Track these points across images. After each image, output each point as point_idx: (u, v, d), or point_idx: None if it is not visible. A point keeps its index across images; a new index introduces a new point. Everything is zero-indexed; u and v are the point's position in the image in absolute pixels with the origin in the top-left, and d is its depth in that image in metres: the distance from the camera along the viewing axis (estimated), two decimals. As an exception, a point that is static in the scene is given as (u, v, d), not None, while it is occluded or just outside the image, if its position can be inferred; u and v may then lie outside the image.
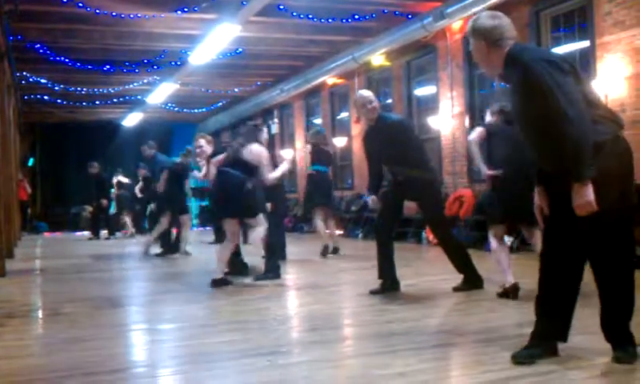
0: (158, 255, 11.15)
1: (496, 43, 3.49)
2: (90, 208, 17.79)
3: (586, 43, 9.13)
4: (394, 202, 6.33)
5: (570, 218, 3.41)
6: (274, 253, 7.89)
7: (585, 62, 8.93)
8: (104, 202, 17.18)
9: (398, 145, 6.17)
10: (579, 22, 9.39)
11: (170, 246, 11.37)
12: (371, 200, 6.48)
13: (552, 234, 3.58)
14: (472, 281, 6.21)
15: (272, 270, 7.64)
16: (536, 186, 3.67)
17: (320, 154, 10.47)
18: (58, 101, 19.21)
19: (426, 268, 8.70)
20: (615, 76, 8.48)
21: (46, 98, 18.78)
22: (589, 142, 3.22)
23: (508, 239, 9.77)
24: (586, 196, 3.23)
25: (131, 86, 17.35)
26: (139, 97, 19.01)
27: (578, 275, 3.57)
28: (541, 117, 3.33)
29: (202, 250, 12.00)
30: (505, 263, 5.66)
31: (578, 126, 3.21)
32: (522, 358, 3.52)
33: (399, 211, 6.48)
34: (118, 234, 18.13)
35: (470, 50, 3.66)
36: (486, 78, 11.15)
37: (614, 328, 3.49)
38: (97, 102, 19.77)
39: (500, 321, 4.71)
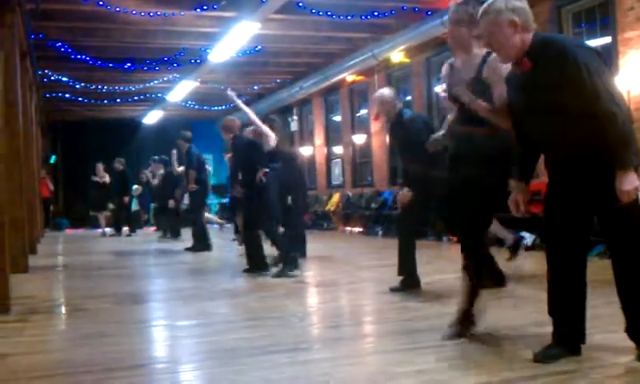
0: (188, 249, 11.25)
1: (526, 24, 3.43)
2: (111, 205, 17.94)
3: (607, 39, 9.03)
4: (416, 198, 6.29)
5: (586, 211, 3.42)
6: (287, 246, 7.87)
7: (607, 58, 8.82)
8: (125, 198, 17.32)
9: (411, 142, 6.16)
10: (601, 17, 9.29)
11: (203, 242, 11.39)
12: (401, 195, 6.42)
13: (558, 229, 3.53)
14: (493, 278, 6.17)
15: (289, 263, 7.63)
16: (516, 181, 3.68)
17: None
18: (79, 99, 19.37)
19: (447, 265, 8.65)
20: (638, 72, 8.38)
21: (67, 95, 18.93)
22: (632, 128, 3.24)
23: (530, 236, 9.73)
24: (634, 181, 3.21)
25: (151, 83, 17.46)
26: (159, 94, 19.12)
27: (583, 272, 3.56)
28: (576, 101, 3.27)
29: (222, 247, 12.05)
30: None
31: (625, 111, 3.23)
32: (543, 357, 3.49)
33: (422, 208, 6.44)
34: (139, 230, 18.29)
35: (487, 31, 3.49)
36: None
37: (637, 326, 3.45)
38: (117, 100, 19.90)
39: (520, 319, 4.67)
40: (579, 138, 3.35)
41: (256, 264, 8.02)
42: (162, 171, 15.50)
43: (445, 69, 4.35)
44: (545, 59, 3.39)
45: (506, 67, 3.77)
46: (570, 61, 3.28)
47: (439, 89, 6.74)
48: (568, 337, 3.55)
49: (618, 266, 3.47)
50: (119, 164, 17.36)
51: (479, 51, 4.07)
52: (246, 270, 8.06)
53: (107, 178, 17.55)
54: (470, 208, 3.99)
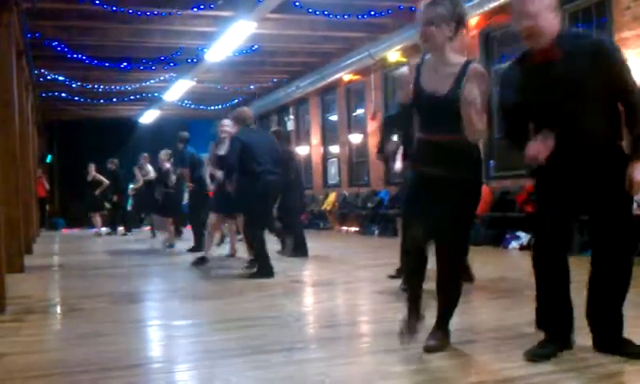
0: (190, 250, 11.24)
1: (557, 9, 3.42)
2: (107, 204, 17.98)
3: (604, 39, 9.04)
4: None
5: (579, 210, 3.44)
6: (265, 255, 7.68)
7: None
8: (114, 197, 17.43)
9: None
10: (598, 17, 9.30)
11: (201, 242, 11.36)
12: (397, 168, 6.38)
13: (553, 229, 3.50)
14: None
15: (261, 272, 7.52)
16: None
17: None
18: (76, 98, 19.35)
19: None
20: (635, 72, 8.38)
21: (63, 95, 18.92)
22: None
23: (525, 236, 9.75)
24: None
25: (148, 83, 17.45)
26: (156, 94, 19.11)
27: (569, 277, 3.57)
28: (605, 93, 3.36)
29: (219, 246, 12.04)
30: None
31: None
32: (535, 356, 3.48)
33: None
34: (135, 229, 18.30)
35: (537, 11, 3.33)
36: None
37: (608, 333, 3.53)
38: (114, 99, 19.90)
39: (515, 319, 4.68)
40: (598, 129, 3.39)
41: (260, 267, 7.67)
42: (149, 168, 15.47)
43: (409, 73, 3.87)
44: (576, 50, 3.38)
45: (487, 77, 3.69)
46: (605, 54, 3.38)
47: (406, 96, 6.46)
48: (556, 339, 3.56)
49: (597, 266, 3.50)
50: (112, 164, 17.49)
51: (455, 58, 3.69)
52: (247, 268, 8.02)
53: (106, 181, 17.58)
54: (468, 213, 3.82)
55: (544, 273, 3.57)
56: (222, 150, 8.75)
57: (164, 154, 12.58)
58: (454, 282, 3.90)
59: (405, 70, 6.48)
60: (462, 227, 3.81)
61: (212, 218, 8.88)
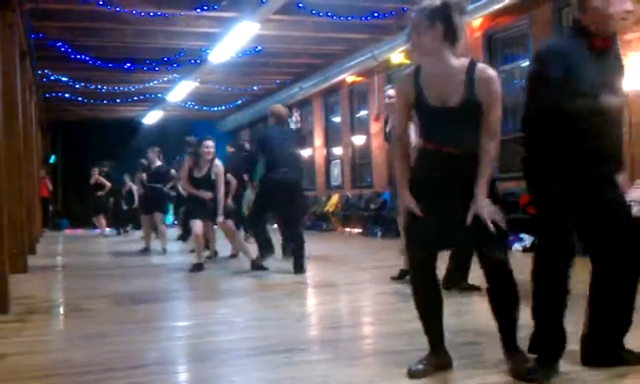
0: (192, 251, 11.21)
1: None
2: (109, 205, 18.07)
3: (607, 41, 9.02)
4: None
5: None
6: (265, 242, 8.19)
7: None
8: (111, 199, 17.85)
9: None
10: (601, 19, 9.29)
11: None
12: None
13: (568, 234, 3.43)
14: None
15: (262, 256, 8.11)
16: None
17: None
18: (79, 99, 19.38)
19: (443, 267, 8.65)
20: (638, 74, 8.37)
21: (66, 95, 18.95)
22: None
23: (529, 238, 9.74)
24: None
25: (151, 83, 17.47)
26: (159, 95, 19.13)
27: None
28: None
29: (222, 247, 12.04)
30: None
31: None
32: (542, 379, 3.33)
33: None
34: (132, 230, 18.38)
35: None
36: (507, 76, 11.03)
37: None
38: (117, 100, 19.92)
39: (519, 319, 4.66)
40: (619, 130, 3.53)
41: (263, 248, 8.21)
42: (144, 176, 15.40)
43: (406, 80, 3.49)
44: (616, 46, 3.54)
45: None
46: (621, 59, 3.57)
47: (391, 92, 6.39)
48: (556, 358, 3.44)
49: (610, 273, 3.45)
50: (104, 168, 17.71)
51: (457, 62, 3.38)
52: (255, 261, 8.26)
53: (108, 184, 17.62)
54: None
55: (553, 283, 3.47)
56: (201, 173, 8.81)
57: (154, 151, 12.51)
58: (513, 291, 3.73)
59: (390, 92, 6.41)
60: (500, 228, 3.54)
61: (196, 225, 8.80)
